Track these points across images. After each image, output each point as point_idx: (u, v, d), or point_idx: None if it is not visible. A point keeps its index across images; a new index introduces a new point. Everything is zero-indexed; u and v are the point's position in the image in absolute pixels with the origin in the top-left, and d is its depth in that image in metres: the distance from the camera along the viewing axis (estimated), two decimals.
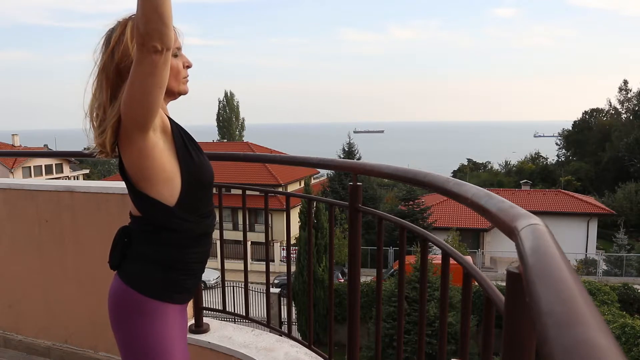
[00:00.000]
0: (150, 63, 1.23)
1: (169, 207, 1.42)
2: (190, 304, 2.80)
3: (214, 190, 2.70)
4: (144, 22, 1.19)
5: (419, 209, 25.82)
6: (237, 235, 26.25)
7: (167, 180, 1.41)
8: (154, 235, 1.45)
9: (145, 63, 1.23)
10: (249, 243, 25.56)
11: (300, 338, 2.63)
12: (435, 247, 1.78)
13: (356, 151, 34.43)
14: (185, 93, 1.52)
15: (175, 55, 1.45)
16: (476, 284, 1.26)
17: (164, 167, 1.40)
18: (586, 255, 27.36)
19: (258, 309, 17.04)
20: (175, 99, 1.53)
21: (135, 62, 1.25)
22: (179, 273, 1.47)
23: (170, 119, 1.47)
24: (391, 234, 21.28)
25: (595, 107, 58.04)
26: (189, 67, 1.51)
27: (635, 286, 18.52)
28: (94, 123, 1.42)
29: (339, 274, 20.81)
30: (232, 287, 17.69)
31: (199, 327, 2.76)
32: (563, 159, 57.26)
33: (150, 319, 1.43)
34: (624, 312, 14.90)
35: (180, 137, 1.45)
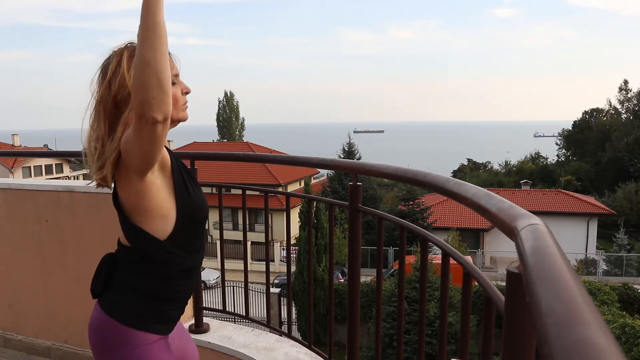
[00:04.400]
0: (150, 132, 1.22)
1: (160, 240, 1.40)
2: (190, 303, 2.81)
3: (214, 190, 2.72)
4: (144, 89, 1.18)
5: (419, 209, 25.82)
6: (237, 235, 26.25)
7: (162, 216, 1.40)
8: (142, 266, 1.43)
9: (145, 132, 1.22)
10: (249, 243, 25.58)
11: (300, 338, 2.63)
12: (435, 247, 1.78)
13: (356, 151, 34.45)
14: (184, 120, 1.50)
15: (173, 83, 1.42)
16: (476, 284, 1.26)
17: (160, 205, 1.39)
18: (586, 255, 27.36)
19: (258, 309, 17.04)
20: (175, 126, 1.50)
21: (133, 130, 1.24)
22: (164, 304, 1.45)
23: (169, 151, 1.44)
24: (391, 234, 21.29)
25: (595, 107, 58.11)
26: (187, 93, 1.49)
27: (635, 286, 18.52)
28: (93, 156, 1.39)
29: (339, 274, 20.81)
30: (232, 287, 17.70)
31: (199, 327, 2.76)
32: (563, 159, 57.26)
33: (134, 350, 1.40)
34: (624, 312, 14.90)
35: (179, 174, 1.44)
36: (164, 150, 1.40)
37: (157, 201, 1.39)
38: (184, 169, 1.49)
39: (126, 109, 1.35)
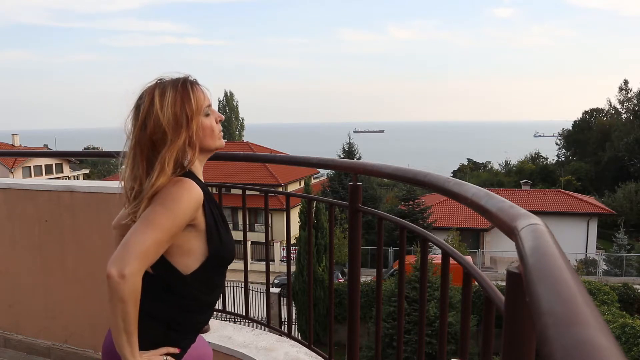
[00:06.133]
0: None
1: (183, 274, 1.40)
2: None
3: (214, 190, 2.72)
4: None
5: (419, 209, 25.82)
6: (237, 235, 26.17)
7: (189, 252, 1.40)
8: (161, 296, 1.43)
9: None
10: (249, 243, 25.57)
11: (300, 338, 2.63)
12: (435, 247, 1.78)
13: (356, 151, 34.45)
14: (221, 147, 1.50)
15: (207, 115, 1.43)
16: (476, 284, 1.26)
17: (190, 251, 1.40)
18: (586, 255, 27.36)
19: (258, 309, 17.04)
20: (211, 154, 1.50)
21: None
22: (178, 334, 1.46)
23: (205, 191, 1.42)
24: (391, 233, 21.30)
25: (595, 107, 58.14)
26: (221, 121, 1.49)
27: (635, 286, 18.54)
28: (129, 196, 1.39)
29: (339, 274, 20.82)
30: (232, 287, 17.69)
31: None
32: (563, 159, 57.29)
33: None
34: (624, 312, 14.91)
35: (212, 221, 1.42)
36: (198, 210, 1.38)
37: (187, 248, 1.39)
38: (216, 208, 1.47)
39: (164, 148, 1.34)
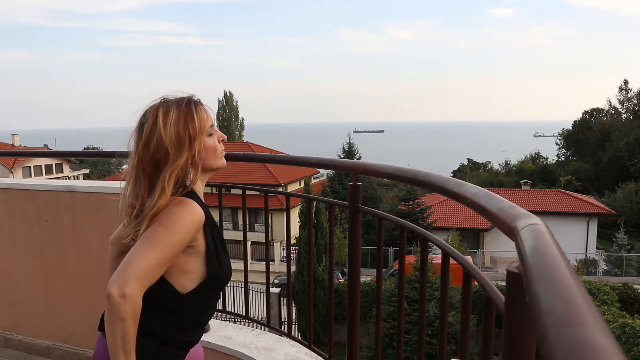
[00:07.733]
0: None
1: (180, 293, 1.41)
2: None
3: (214, 190, 2.72)
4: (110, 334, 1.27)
5: (419, 209, 25.82)
6: (237, 235, 26.24)
7: (187, 273, 1.41)
8: (156, 312, 1.42)
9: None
10: (249, 243, 25.59)
11: (300, 338, 2.63)
12: (435, 247, 1.78)
13: (356, 151, 34.44)
14: (223, 167, 1.51)
15: (210, 135, 1.44)
16: (476, 283, 1.26)
17: (188, 272, 1.41)
18: (586, 255, 27.36)
19: (258, 309, 17.04)
20: (214, 173, 1.51)
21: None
22: (171, 350, 1.46)
23: (207, 213, 1.42)
24: (391, 233, 21.28)
25: (595, 107, 58.11)
26: (223, 140, 1.50)
27: (635, 286, 18.53)
28: (130, 214, 1.40)
29: (339, 274, 20.81)
30: (232, 287, 17.69)
31: None
32: (563, 159, 57.27)
33: None
34: (624, 312, 14.90)
35: (212, 243, 1.43)
36: (199, 231, 1.39)
37: (185, 269, 1.40)
38: (216, 230, 1.48)
39: (165, 166, 1.35)
